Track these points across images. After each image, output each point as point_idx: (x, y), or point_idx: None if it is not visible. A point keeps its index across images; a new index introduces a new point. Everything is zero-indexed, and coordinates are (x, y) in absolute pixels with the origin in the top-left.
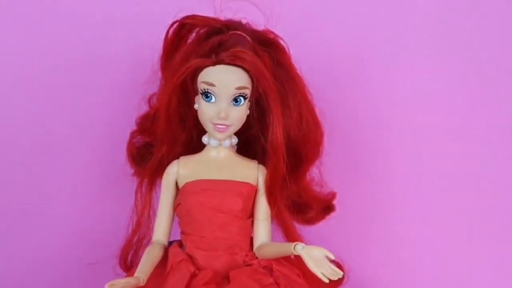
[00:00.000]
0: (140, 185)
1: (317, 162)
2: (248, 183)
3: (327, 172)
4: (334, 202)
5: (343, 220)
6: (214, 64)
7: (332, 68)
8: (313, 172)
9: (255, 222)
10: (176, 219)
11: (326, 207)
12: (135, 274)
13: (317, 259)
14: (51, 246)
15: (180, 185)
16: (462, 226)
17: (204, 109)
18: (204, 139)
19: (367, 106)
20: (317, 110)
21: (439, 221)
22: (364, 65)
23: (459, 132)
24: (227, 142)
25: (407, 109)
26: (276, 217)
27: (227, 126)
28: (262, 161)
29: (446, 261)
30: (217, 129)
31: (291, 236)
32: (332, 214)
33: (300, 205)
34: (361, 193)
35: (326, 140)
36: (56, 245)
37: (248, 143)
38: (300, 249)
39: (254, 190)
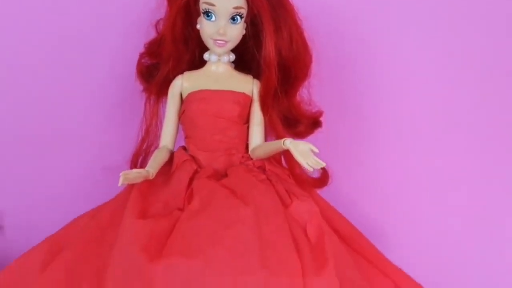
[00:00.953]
0: (148, 98)
1: (306, 83)
2: (244, 93)
3: (316, 93)
4: (321, 119)
5: (331, 135)
6: None
7: None
8: (303, 93)
9: (250, 126)
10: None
11: (313, 122)
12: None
13: (303, 151)
14: (75, 155)
15: (184, 95)
16: (454, 148)
17: (205, 27)
18: (205, 55)
19: (356, 31)
20: (306, 35)
21: (426, 141)
22: None
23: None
24: (225, 58)
25: (394, 35)
26: (270, 126)
27: (226, 41)
28: (256, 78)
29: (431, 180)
30: (217, 44)
31: None
32: (320, 129)
33: (290, 120)
34: (348, 112)
35: (315, 63)
36: (77, 154)
37: (244, 62)
38: (288, 143)
39: (249, 100)
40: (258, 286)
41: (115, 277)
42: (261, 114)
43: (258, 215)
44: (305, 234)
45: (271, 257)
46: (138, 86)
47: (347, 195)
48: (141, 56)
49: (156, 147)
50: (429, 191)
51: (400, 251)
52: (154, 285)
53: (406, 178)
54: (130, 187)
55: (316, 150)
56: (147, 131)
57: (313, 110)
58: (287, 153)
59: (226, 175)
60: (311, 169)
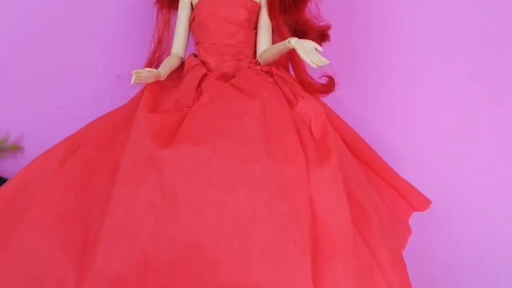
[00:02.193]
0: (160, 9)
1: None
2: (252, 0)
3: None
4: (329, 32)
5: (339, 48)
6: None
7: None
8: (311, 7)
9: (258, 32)
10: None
11: (321, 35)
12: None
13: (307, 49)
14: (91, 67)
15: (194, 3)
16: (464, 66)
17: None
18: None
19: None
20: None
21: (436, 57)
22: None
23: None
24: None
25: None
26: (277, 34)
27: None
28: None
29: (438, 95)
30: None
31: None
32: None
33: (298, 32)
34: (356, 27)
35: None
36: (92, 66)
37: None
38: (293, 41)
39: (257, 6)
40: (263, 173)
41: (127, 165)
42: (269, 20)
43: (264, 109)
44: (310, 131)
45: (276, 148)
46: None
47: (352, 108)
48: None
49: (168, 55)
50: (436, 106)
51: (403, 165)
52: (163, 171)
53: (412, 93)
54: (142, 91)
55: (321, 49)
56: (159, 41)
57: (321, 24)
58: (293, 56)
59: (234, 77)
60: (315, 66)
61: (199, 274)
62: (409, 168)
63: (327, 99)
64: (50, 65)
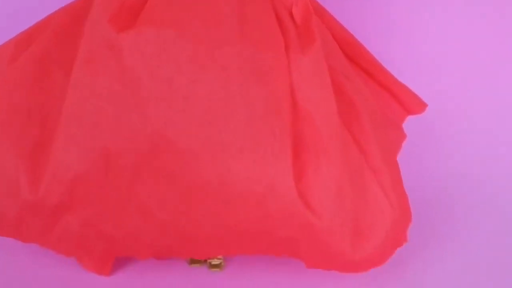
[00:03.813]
0: None
1: None
2: None
3: None
4: None
5: None
6: None
7: None
8: None
9: None
10: None
11: None
12: None
13: None
14: None
15: None
16: None
17: None
18: None
19: None
20: None
21: None
22: None
23: None
24: None
25: None
26: None
27: None
28: None
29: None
30: None
31: None
32: None
33: None
34: None
35: None
36: None
37: None
38: None
39: None
40: (237, 57)
41: (83, 54)
42: None
43: None
44: (291, 17)
45: (252, 32)
46: None
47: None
48: None
49: None
50: (436, 11)
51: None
52: (123, 57)
53: None
54: None
55: None
56: None
57: None
58: None
59: None
60: None
61: (168, 172)
62: (406, 74)
63: None
64: None
